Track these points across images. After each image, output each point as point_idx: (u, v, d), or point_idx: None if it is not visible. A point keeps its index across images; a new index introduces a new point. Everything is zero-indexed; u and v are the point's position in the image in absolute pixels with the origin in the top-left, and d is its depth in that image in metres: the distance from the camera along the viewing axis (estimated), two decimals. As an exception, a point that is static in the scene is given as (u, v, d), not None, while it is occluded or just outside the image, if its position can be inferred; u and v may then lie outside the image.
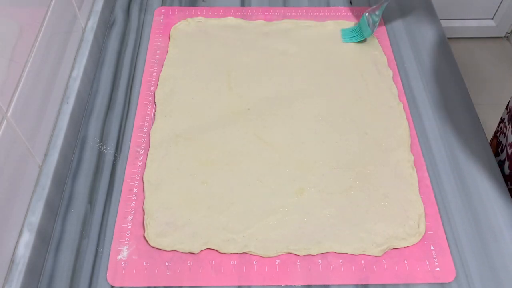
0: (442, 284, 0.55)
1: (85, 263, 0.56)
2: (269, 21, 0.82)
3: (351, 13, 0.84)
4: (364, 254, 0.57)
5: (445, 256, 0.57)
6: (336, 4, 0.86)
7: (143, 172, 0.63)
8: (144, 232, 0.58)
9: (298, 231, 0.58)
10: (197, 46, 0.78)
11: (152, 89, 0.72)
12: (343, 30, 0.80)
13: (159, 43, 0.79)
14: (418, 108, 0.71)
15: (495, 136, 0.76)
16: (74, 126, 0.66)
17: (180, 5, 0.85)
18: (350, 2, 0.86)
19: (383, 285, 0.55)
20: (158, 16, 0.83)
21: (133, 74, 0.75)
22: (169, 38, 0.79)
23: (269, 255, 0.57)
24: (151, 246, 0.57)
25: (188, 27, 0.81)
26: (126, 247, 0.57)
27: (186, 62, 0.76)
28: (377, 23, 0.77)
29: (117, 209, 0.60)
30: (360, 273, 0.56)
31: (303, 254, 0.57)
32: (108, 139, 0.67)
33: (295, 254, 0.57)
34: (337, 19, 0.83)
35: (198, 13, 0.83)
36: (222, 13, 0.83)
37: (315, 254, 0.57)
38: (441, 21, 0.84)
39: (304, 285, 0.55)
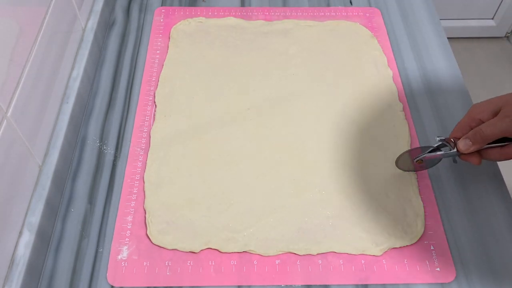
0: (442, 284, 0.55)
1: (85, 263, 0.56)
2: (269, 21, 0.82)
3: (351, 13, 0.84)
4: (364, 254, 0.57)
5: (445, 256, 0.57)
6: (336, 4, 0.86)
7: (143, 172, 0.63)
8: (146, 230, 0.58)
9: (298, 230, 0.58)
10: (197, 46, 0.78)
11: (152, 89, 0.72)
12: None
13: (159, 43, 0.79)
14: (417, 108, 0.71)
15: None
16: (74, 126, 0.66)
17: (180, 5, 0.85)
18: (350, 2, 0.86)
19: (383, 285, 0.55)
20: (158, 16, 0.83)
21: (133, 74, 0.75)
22: (169, 38, 0.79)
23: (269, 254, 0.57)
24: (153, 243, 0.57)
25: (188, 27, 0.81)
26: (126, 247, 0.57)
27: (186, 62, 0.76)
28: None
29: (117, 209, 0.60)
30: (360, 273, 0.56)
31: (303, 253, 0.57)
32: (108, 139, 0.67)
33: (295, 254, 0.57)
34: (337, 19, 0.83)
35: (198, 13, 0.83)
36: (222, 13, 0.83)
37: (315, 254, 0.57)
38: (441, 21, 0.84)
39: (304, 285, 0.55)
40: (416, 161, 0.60)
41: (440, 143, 0.58)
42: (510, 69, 1.82)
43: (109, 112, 0.70)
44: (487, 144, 0.55)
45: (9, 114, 0.51)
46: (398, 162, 0.62)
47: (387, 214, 0.60)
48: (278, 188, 0.62)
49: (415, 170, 0.63)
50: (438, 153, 0.59)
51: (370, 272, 0.56)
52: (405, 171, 0.63)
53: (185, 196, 0.61)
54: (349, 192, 0.62)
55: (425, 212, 0.60)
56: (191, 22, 0.81)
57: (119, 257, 0.56)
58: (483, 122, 0.56)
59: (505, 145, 0.55)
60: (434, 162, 0.62)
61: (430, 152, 0.59)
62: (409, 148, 0.60)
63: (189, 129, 0.67)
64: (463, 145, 0.56)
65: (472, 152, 0.57)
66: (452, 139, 0.58)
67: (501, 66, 1.83)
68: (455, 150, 0.57)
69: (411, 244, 0.58)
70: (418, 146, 0.60)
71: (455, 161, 0.59)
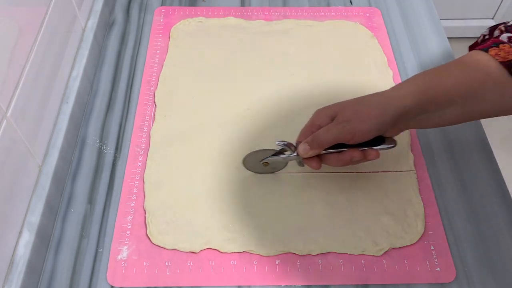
0: (442, 284, 0.55)
1: (85, 263, 0.56)
2: (269, 21, 0.82)
3: (351, 13, 0.84)
4: (364, 254, 0.57)
5: (445, 256, 0.57)
6: (336, 4, 0.86)
7: (143, 172, 0.63)
8: (146, 230, 0.58)
9: (298, 230, 0.58)
10: (197, 46, 0.78)
11: (152, 89, 0.72)
12: None
13: (159, 43, 0.79)
14: (418, 108, 0.71)
15: None
16: (74, 126, 0.66)
17: (180, 5, 0.85)
18: (350, 2, 0.86)
19: (383, 285, 0.55)
20: (158, 16, 0.83)
21: (133, 74, 0.75)
22: (169, 38, 0.79)
23: (269, 254, 0.57)
24: (153, 243, 0.57)
25: (188, 27, 0.81)
26: (126, 247, 0.57)
27: (186, 62, 0.76)
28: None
29: (117, 209, 0.60)
30: (360, 273, 0.56)
31: (303, 254, 0.57)
32: (108, 139, 0.67)
33: (295, 254, 0.57)
34: (337, 19, 0.83)
35: (198, 13, 0.83)
36: (222, 13, 0.83)
37: (315, 254, 0.57)
38: (441, 21, 0.84)
39: (304, 285, 0.55)
40: (262, 163, 0.61)
41: (282, 147, 0.58)
42: (510, 69, 1.82)
43: (109, 112, 0.70)
44: (325, 149, 0.56)
45: (9, 114, 0.51)
46: (244, 162, 0.62)
47: (387, 214, 0.60)
48: (278, 188, 0.62)
49: (262, 172, 0.63)
50: (281, 156, 0.59)
51: (370, 272, 0.56)
52: (255, 172, 0.63)
53: (185, 196, 0.61)
54: (349, 192, 0.62)
55: (425, 212, 0.60)
56: (191, 22, 0.81)
57: (119, 257, 0.56)
58: (322, 127, 0.56)
59: (342, 151, 0.55)
60: (280, 165, 0.62)
61: (274, 155, 0.59)
62: (259, 149, 0.60)
63: (189, 129, 0.67)
64: (302, 149, 0.56)
65: (313, 156, 0.57)
66: (294, 143, 0.58)
67: (501, 66, 1.83)
68: (295, 154, 0.58)
69: (411, 244, 0.58)
70: (265, 148, 0.61)
71: (301, 164, 0.59)
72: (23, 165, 0.55)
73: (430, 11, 0.85)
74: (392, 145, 0.56)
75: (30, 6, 0.57)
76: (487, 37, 0.58)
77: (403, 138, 0.67)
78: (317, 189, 0.62)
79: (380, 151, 0.56)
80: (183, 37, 0.79)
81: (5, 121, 0.50)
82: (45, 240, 0.57)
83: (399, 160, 0.64)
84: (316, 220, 0.59)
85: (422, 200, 0.61)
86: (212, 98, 0.71)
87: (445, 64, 0.56)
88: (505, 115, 0.60)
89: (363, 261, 0.56)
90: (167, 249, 0.57)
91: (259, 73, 0.74)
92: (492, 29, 0.57)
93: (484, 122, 0.67)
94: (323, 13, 0.84)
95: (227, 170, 0.63)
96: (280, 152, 0.59)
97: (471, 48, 0.58)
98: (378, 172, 0.64)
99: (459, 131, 0.68)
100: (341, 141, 0.54)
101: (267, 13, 0.84)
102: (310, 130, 0.57)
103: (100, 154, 0.66)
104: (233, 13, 0.83)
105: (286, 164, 0.62)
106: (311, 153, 0.56)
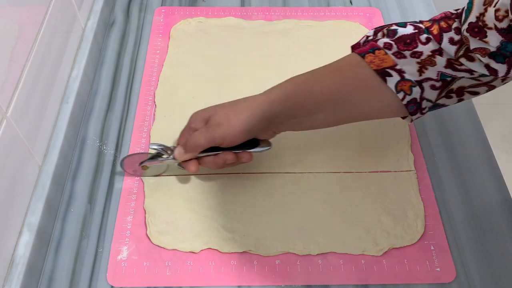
0: (442, 284, 0.55)
1: (85, 263, 0.56)
2: (269, 21, 0.82)
3: (351, 13, 0.84)
4: (364, 254, 0.57)
5: (445, 256, 0.57)
6: (336, 4, 0.86)
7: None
8: (146, 230, 0.58)
9: (298, 230, 0.58)
10: (197, 46, 0.78)
11: (152, 89, 0.72)
12: None
13: (159, 43, 0.79)
14: (418, 108, 0.71)
15: None
16: (74, 126, 0.66)
17: (180, 5, 0.85)
18: (350, 2, 0.86)
19: (383, 285, 0.55)
20: (158, 16, 0.83)
21: (133, 74, 0.75)
22: (169, 38, 0.79)
23: (269, 254, 0.57)
24: (153, 244, 0.57)
25: (188, 27, 0.81)
26: (126, 247, 0.57)
27: (186, 62, 0.76)
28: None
29: (117, 209, 0.60)
30: (360, 273, 0.56)
31: (303, 253, 0.57)
32: (108, 139, 0.67)
33: (295, 254, 0.57)
34: (337, 19, 0.83)
35: (198, 13, 0.83)
36: (222, 13, 0.83)
37: (315, 254, 0.57)
38: (441, 21, 0.84)
39: (304, 285, 0.55)
40: (141, 166, 0.60)
41: (157, 150, 0.58)
42: (510, 69, 1.82)
43: (109, 112, 0.70)
44: (202, 152, 0.56)
45: (9, 114, 0.51)
46: (123, 165, 0.61)
47: (387, 214, 0.60)
48: (278, 188, 0.62)
49: (141, 176, 0.62)
50: (159, 159, 0.59)
51: (370, 272, 0.56)
52: (137, 176, 0.62)
53: (185, 196, 0.61)
54: (349, 192, 0.62)
55: (425, 212, 0.60)
56: (191, 22, 0.81)
57: (119, 257, 0.56)
58: (196, 131, 0.56)
59: (217, 154, 0.56)
60: (160, 168, 0.62)
61: (151, 158, 0.59)
62: (135, 152, 0.60)
63: (189, 129, 0.67)
64: (177, 153, 0.57)
65: (191, 159, 0.57)
66: (172, 147, 0.58)
67: (501, 66, 1.83)
68: (172, 157, 0.58)
69: (411, 244, 0.58)
70: (142, 151, 0.61)
71: (181, 166, 0.59)
72: (23, 165, 0.55)
73: (430, 11, 0.85)
74: (267, 147, 0.57)
75: (30, 6, 0.57)
76: (370, 38, 0.56)
77: (403, 138, 0.67)
78: (317, 189, 0.62)
79: (254, 154, 0.57)
80: (183, 37, 0.79)
81: (5, 121, 0.50)
82: (45, 240, 0.57)
83: (399, 160, 0.64)
84: (316, 220, 0.59)
85: (422, 200, 0.61)
86: (212, 98, 0.71)
87: (320, 68, 0.56)
88: (380, 118, 0.60)
89: (363, 261, 0.56)
90: (167, 249, 0.57)
91: (259, 73, 0.74)
92: (377, 30, 0.56)
93: (484, 122, 0.68)
94: (323, 13, 0.84)
95: (227, 169, 0.63)
96: (158, 155, 0.59)
97: (353, 48, 0.57)
98: (378, 172, 0.64)
99: (459, 131, 0.68)
100: (214, 145, 0.55)
101: (267, 13, 0.84)
102: (187, 133, 0.57)
103: (100, 154, 0.66)
104: (233, 13, 0.83)
105: (167, 167, 0.62)
106: (186, 156, 0.56)
